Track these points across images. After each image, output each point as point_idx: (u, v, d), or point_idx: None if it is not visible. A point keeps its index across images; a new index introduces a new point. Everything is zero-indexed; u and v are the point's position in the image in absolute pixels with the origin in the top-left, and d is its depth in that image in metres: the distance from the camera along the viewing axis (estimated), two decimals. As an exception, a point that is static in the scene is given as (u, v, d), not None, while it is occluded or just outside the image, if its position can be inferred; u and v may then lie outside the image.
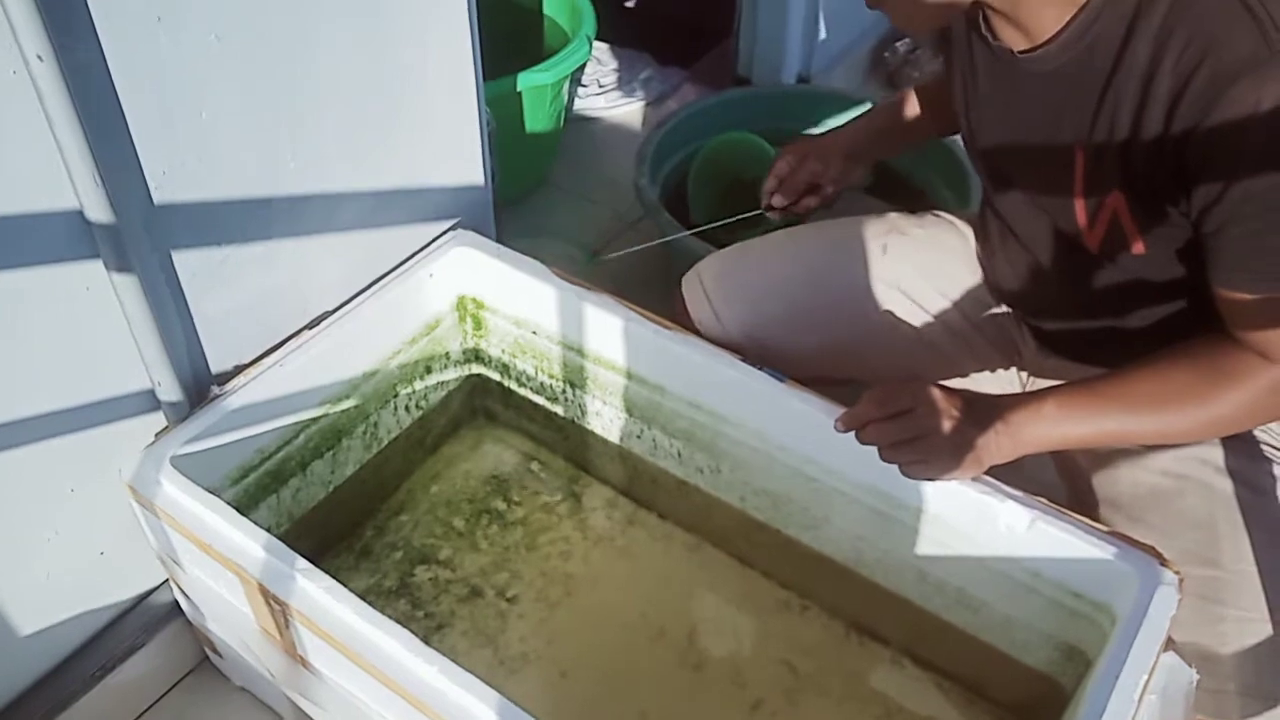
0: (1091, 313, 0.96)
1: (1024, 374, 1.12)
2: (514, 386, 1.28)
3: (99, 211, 0.81)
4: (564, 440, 1.29)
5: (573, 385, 1.21)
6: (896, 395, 0.87)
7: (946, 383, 0.88)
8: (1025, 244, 0.98)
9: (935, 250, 1.09)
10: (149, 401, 0.96)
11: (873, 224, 1.12)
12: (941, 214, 1.14)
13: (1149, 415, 0.83)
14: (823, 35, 1.95)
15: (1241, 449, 0.91)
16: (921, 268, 1.09)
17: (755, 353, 1.08)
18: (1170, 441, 0.86)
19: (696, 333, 1.10)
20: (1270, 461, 0.90)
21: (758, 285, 1.09)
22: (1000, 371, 1.13)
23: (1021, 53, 0.84)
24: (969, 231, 1.12)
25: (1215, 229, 0.77)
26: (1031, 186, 0.92)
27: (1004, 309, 1.10)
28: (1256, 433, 0.93)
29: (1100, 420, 0.84)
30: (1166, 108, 0.75)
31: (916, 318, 1.09)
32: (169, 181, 0.87)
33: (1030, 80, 0.85)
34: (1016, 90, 0.87)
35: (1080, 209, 0.86)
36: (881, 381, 1.04)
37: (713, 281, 1.11)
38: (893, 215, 1.12)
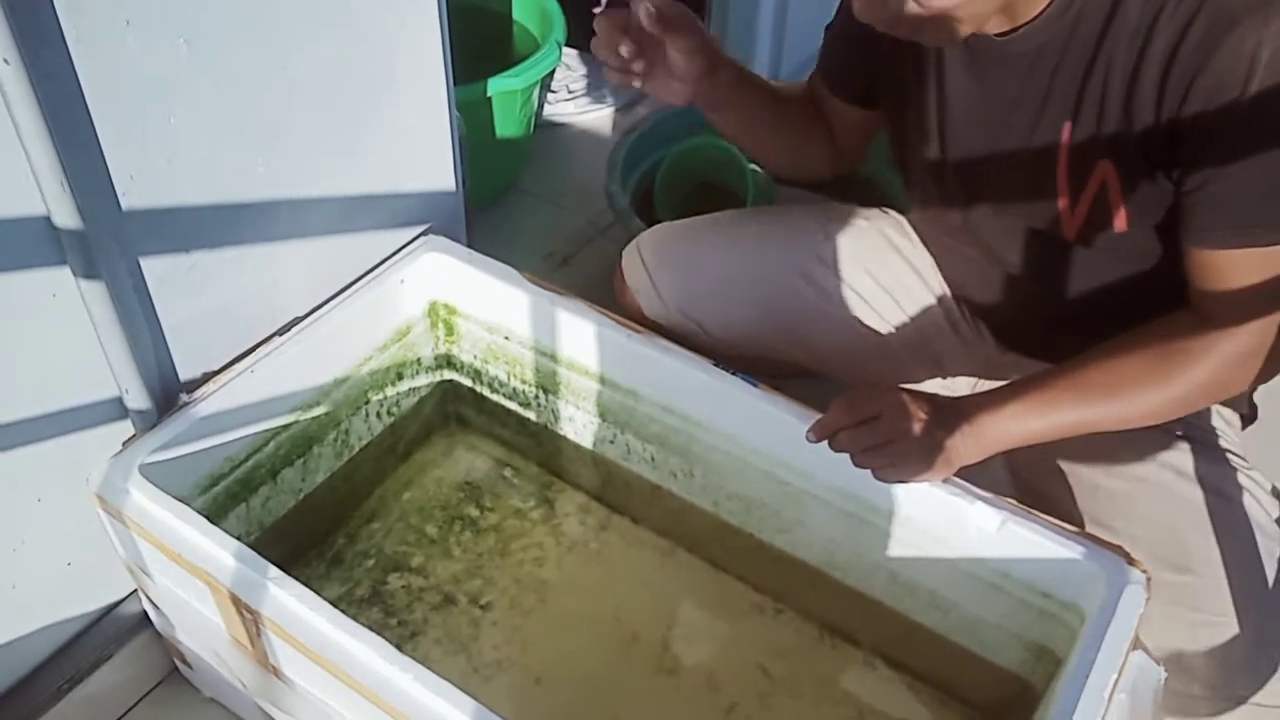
0: (1063, 309, 0.97)
1: (973, 380, 1.13)
2: (486, 392, 1.28)
3: (66, 217, 0.80)
4: (537, 446, 1.29)
5: (545, 390, 1.21)
6: (864, 401, 0.88)
7: (911, 385, 0.89)
8: (993, 247, 0.98)
9: (877, 241, 1.10)
10: (117, 409, 0.95)
11: (816, 209, 1.13)
12: (889, 211, 1.15)
13: (1109, 402, 0.84)
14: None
15: (1206, 454, 0.92)
16: (862, 257, 1.09)
17: (690, 323, 1.08)
18: (1134, 425, 0.87)
19: (635, 309, 1.09)
20: (1234, 469, 0.92)
21: (694, 256, 1.09)
22: (949, 377, 1.14)
23: (1000, 35, 0.83)
24: (911, 230, 1.12)
25: (1202, 184, 0.77)
26: (1007, 181, 0.92)
27: (951, 310, 1.11)
28: (1221, 441, 0.95)
29: (1062, 412, 0.85)
30: (1164, 62, 0.75)
31: (855, 305, 1.10)
32: (137, 187, 0.86)
33: (1010, 63, 0.84)
34: (993, 78, 0.87)
35: (1063, 189, 0.86)
36: (823, 368, 1.04)
37: (650, 251, 1.11)
38: (837, 204, 1.13)
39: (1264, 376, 0.84)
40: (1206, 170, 0.77)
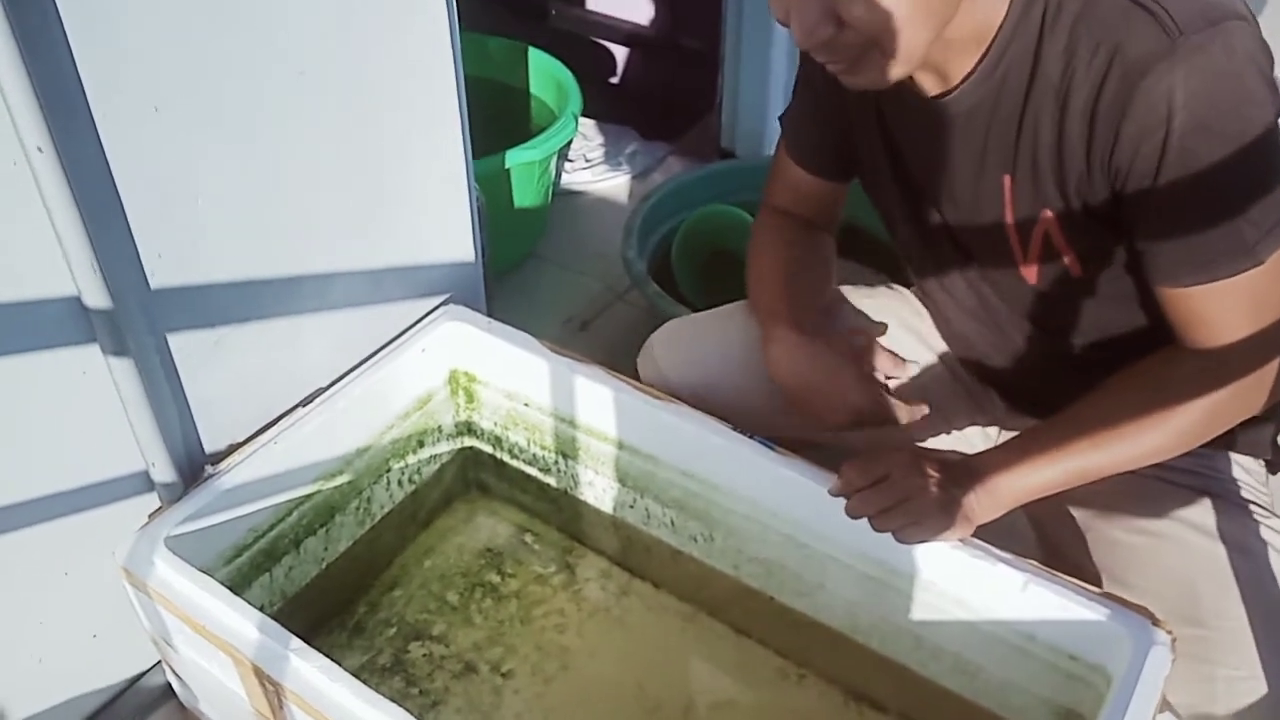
0: (1055, 362, 0.98)
1: (991, 430, 1.14)
2: (506, 458, 1.29)
3: (96, 298, 0.82)
4: (557, 511, 1.29)
5: (565, 456, 1.22)
6: (873, 463, 0.89)
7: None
8: (981, 304, 1.00)
9: (885, 318, 1.11)
10: (143, 483, 0.97)
11: None
12: (895, 286, 1.17)
13: (1115, 444, 0.85)
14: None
15: (1227, 509, 0.91)
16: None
17: (702, 407, 1.09)
18: (1143, 464, 0.87)
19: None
20: (1255, 521, 0.91)
21: (704, 345, 1.11)
22: (956, 433, 1.14)
23: (936, 96, 0.87)
24: (918, 303, 1.14)
25: (1152, 228, 0.79)
26: (972, 238, 0.94)
27: (958, 375, 1.11)
28: (1243, 493, 0.95)
29: (1071, 459, 0.85)
30: (1087, 117, 0.78)
31: None
32: (165, 266, 0.89)
33: (950, 123, 0.88)
34: (939, 139, 0.90)
35: (1014, 240, 0.89)
36: (836, 440, 1.05)
37: (661, 344, 1.13)
38: (844, 287, 1.14)
39: (1268, 401, 0.84)
40: (1152, 216, 0.79)
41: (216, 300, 0.96)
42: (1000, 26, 0.81)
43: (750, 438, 1.03)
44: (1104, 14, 0.76)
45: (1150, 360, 0.86)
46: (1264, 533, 0.90)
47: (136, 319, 0.86)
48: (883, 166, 0.98)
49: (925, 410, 0.95)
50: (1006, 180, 0.87)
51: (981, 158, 0.87)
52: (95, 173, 0.80)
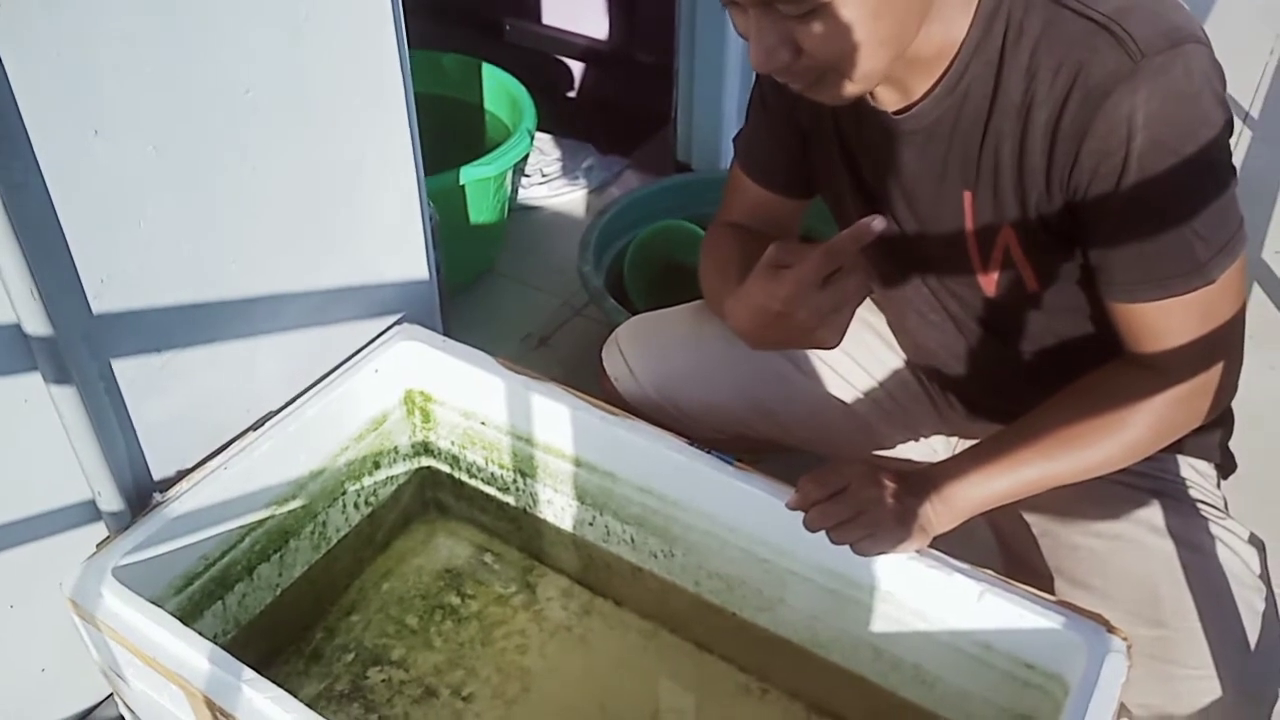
0: (1011, 370, 0.99)
1: (953, 439, 1.14)
2: (464, 478, 1.28)
3: (36, 325, 0.80)
4: (517, 530, 1.28)
5: (523, 474, 1.21)
6: (832, 476, 0.89)
7: (878, 453, 0.90)
8: (931, 316, 1.00)
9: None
10: (90, 512, 0.95)
11: None
12: None
13: (1067, 455, 0.86)
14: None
15: (1176, 507, 0.93)
16: None
17: (668, 405, 1.09)
18: (1095, 474, 0.88)
19: (618, 398, 1.11)
20: (1206, 520, 0.93)
21: (670, 341, 1.12)
22: (924, 440, 1.15)
23: (896, 112, 0.87)
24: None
25: (1107, 244, 0.81)
26: (933, 251, 0.95)
27: (921, 379, 1.12)
28: (1192, 492, 0.96)
29: (1024, 470, 0.87)
30: (1049, 135, 0.79)
31: (833, 383, 1.12)
32: (108, 290, 0.87)
33: (910, 139, 0.88)
34: (900, 155, 0.90)
35: (974, 255, 0.90)
36: (800, 443, 1.04)
37: (627, 339, 1.15)
38: None
39: (1212, 412, 0.86)
40: (1108, 232, 0.80)
41: (162, 324, 0.94)
42: (961, 44, 0.81)
43: (708, 453, 1.03)
44: (1066, 34, 0.77)
45: (1101, 372, 0.88)
46: (1213, 529, 0.91)
47: (78, 345, 0.84)
48: (841, 179, 0.98)
49: (879, 218, 0.82)
50: (967, 195, 0.87)
51: (942, 173, 0.88)
52: (34, 198, 0.78)
